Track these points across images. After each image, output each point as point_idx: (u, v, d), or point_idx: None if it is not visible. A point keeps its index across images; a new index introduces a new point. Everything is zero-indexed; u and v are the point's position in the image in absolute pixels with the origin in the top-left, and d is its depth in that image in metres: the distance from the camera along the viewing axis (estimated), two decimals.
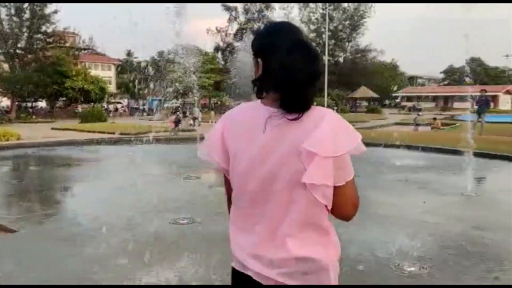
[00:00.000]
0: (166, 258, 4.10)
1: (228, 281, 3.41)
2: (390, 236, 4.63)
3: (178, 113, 20.97)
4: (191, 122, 28.36)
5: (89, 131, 20.16)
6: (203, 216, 5.61)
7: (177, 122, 19.81)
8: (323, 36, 48.78)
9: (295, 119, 1.34)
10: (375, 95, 54.64)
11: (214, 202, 6.61)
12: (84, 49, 58.74)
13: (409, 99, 63.23)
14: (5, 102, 40.14)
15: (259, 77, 1.45)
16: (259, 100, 1.45)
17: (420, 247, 4.18)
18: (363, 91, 52.76)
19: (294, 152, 1.34)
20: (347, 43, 57.21)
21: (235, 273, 1.50)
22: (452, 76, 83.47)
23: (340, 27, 55.84)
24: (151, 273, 3.72)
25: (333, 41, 54.21)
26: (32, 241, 4.76)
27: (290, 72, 1.34)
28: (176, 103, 41.88)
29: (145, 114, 45.20)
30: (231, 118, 1.48)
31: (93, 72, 47.30)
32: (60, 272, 3.86)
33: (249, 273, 1.43)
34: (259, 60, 1.45)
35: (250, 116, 1.44)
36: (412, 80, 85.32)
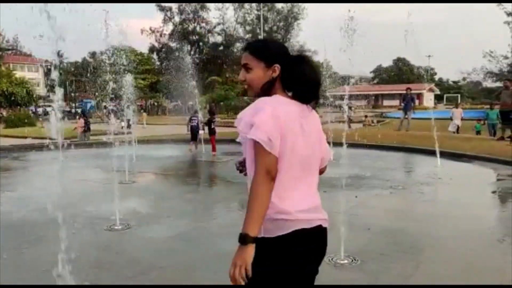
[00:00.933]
0: (102, 264, 3.99)
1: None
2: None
3: (86, 117, 18.94)
4: (123, 124, 27.96)
5: (16, 137, 18.99)
6: (138, 221, 5.51)
7: (86, 127, 18.10)
8: (259, 37, 49.37)
9: (313, 108, 1.96)
10: None
11: (149, 206, 6.52)
12: (8, 49, 55.15)
13: (341, 97, 65.69)
14: None
15: (275, 78, 1.88)
16: (282, 96, 1.87)
17: (352, 240, 4.39)
18: None
19: (320, 131, 2.00)
20: None
21: (300, 234, 1.80)
22: (381, 75, 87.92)
23: (274, 28, 56.80)
24: (87, 281, 3.61)
25: None
26: None
27: (316, 77, 1.95)
28: (111, 105, 40.55)
29: (77, 117, 43.27)
30: (283, 109, 1.81)
31: (19, 74, 44.52)
32: None
33: (318, 223, 1.90)
34: (276, 66, 1.86)
35: (292, 108, 1.85)
36: (344, 79, 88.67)
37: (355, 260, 4.06)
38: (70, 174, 9.87)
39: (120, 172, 8.37)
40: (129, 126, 27.78)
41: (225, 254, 4.42)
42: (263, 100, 1.81)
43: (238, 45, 55.78)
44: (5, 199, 7.52)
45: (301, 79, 1.87)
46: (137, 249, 4.59)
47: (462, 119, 19.01)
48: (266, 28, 52.88)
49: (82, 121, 18.16)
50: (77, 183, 8.80)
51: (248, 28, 55.99)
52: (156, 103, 53.22)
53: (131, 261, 4.20)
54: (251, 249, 1.67)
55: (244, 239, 1.67)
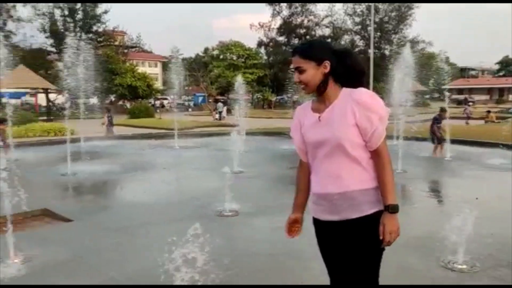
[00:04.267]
0: (210, 248, 4.18)
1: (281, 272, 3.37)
2: (445, 230, 4.50)
3: (108, 114, 17.57)
4: (217, 116, 30.32)
5: (138, 126, 20.88)
6: (246, 209, 5.67)
7: (110, 123, 17.24)
8: (369, 28, 47.65)
9: None
10: (423, 88, 52.78)
11: (257, 195, 6.69)
12: (132, 47, 60.56)
13: (460, 91, 60.66)
14: (61, 99, 42.18)
15: (327, 73, 2.04)
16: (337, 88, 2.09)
17: (472, 245, 4.02)
18: (411, 84, 51.01)
19: None
20: (393, 35, 55.53)
21: None
22: (508, 67, 79.23)
23: (386, 18, 54.27)
24: (193, 263, 3.80)
25: (378, 33, 52.76)
26: (85, 230, 4.99)
27: (361, 66, 2.16)
28: (221, 99, 42.72)
29: (190, 110, 46.06)
30: None
31: (140, 69, 48.63)
32: (109, 261, 4.04)
33: None
34: (326, 62, 2.02)
35: None
36: (463, 71, 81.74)
37: (475, 266, 3.72)
38: (182, 163, 10.55)
39: (231, 160, 8.64)
40: (220, 118, 30.25)
41: None
42: (374, 94, 2.03)
43: (346, 38, 54.40)
44: (129, 183, 8.30)
45: (350, 70, 2.05)
46: (245, 236, 4.74)
47: None
48: (377, 19, 50.74)
49: (105, 118, 17.34)
50: (190, 170, 9.38)
51: (357, 19, 54.30)
52: (262, 97, 54.35)
53: (239, 247, 4.35)
54: (397, 217, 2.01)
55: (397, 209, 1.99)
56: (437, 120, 11.06)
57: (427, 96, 53.60)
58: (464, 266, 3.70)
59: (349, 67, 2.05)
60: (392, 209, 1.96)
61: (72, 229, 5.05)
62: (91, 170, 8.83)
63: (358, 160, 2.00)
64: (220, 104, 33.33)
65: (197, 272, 3.34)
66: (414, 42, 56.06)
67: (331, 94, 2.05)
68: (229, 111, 33.40)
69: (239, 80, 17.55)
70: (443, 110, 11.33)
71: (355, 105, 1.97)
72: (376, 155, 2.01)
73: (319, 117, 2.06)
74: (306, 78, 2.03)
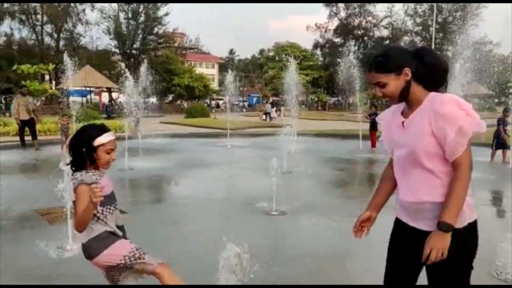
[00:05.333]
0: (257, 247, 4.24)
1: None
2: (499, 240, 4.26)
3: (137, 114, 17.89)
4: (263, 117, 30.38)
5: (193, 126, 21.46)
6: (293, 209, 5.69)
7: (136, 123, 17.52)
8: (430, 29, 45.93)
9: None
10: (489, 92, 49.92)
11: (303, 195, 6.67)
12: (191, 48, 62.29)
13: None
14: (122, 98, 44.23)
15: (409, 80, 1.93)
16: (424, 92, 1.97)
17: None
18: (475, 88, 48.33)
19: None
20: (457, 36, 53.08)
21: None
22: None
23: (450, 19, 52.00)
24: (237, 261, 3.86)
25: (441, 34, 50.67)
26: (139, 223, 5.22)
27: (444, 63, 2.00)
28: (274, 100, 42.80)
29: (244, 110, 46.58)
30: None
31: (198, 70, 49.83)
32: (159, 253, 4.20)
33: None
34: (406, 69, 1.90)
35: None
36: None
37: None
38: (233, 161, 10.72)
39: (279, 160, 8.63)
40: (271, 119, 30.26)
41: (377, 242, 4.25)
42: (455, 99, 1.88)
43: (406, 39, 52.71)
44: (181, 179, 8.56)
45: (431, 69, 1.92)
46: (291, 236, 4.75)
47: None
48: (440, 20, 48.73)
49: (132, 120, 17.46)
50: (240, 169, 9.53)
51: (418, 20, 52.47)
52: (316, 98, 53.94)
53: (284, 246, 4.37)
54: (449, 237, 1.82)
55: (448, 228, 1.81)
56: (502, 122, 10.41)
57: (496, 100, 50.76)
58: None
59: (430, 66, 1.92)
60: (445, 228, 1.80)
61: (126, 222, 5.28)
62: (146, 166, 9.22)
63: (433, 171, 1.89)
64: (268, 106, 33.32)
65: (241, 269, 3.40)
66: (480, 44, 53.15)
67: (417, 99, 1.95)
68: (278, 112, 33.41)
69: (291, 73, 16.91)
70: (506, 110, 10.68)
71: (433, 114, 1.85)
72: (454, 168, 1.86)
73: (403, 122, 1.99)
74: (389, 91, 1.94)
